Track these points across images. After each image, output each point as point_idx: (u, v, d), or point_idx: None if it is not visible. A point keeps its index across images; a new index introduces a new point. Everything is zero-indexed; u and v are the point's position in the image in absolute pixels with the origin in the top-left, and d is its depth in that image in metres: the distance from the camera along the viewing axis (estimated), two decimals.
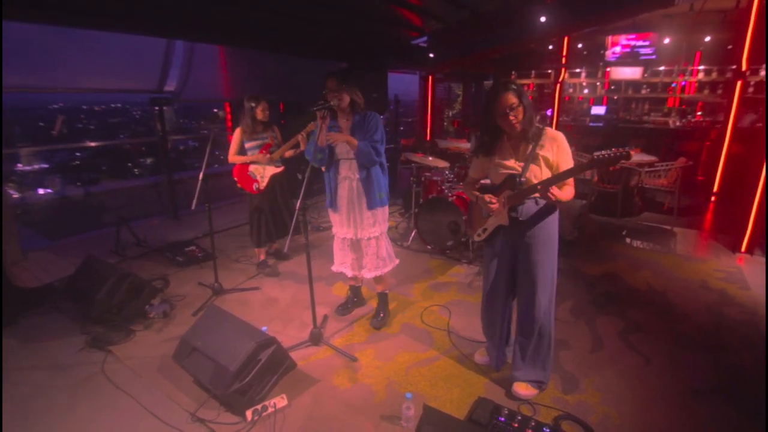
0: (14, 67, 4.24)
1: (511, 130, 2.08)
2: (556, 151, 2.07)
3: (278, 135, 3.80)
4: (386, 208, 2.91)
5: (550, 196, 1.95)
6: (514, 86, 2.02)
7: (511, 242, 2.25)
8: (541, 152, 2.07)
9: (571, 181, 2.07)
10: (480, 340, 2.77)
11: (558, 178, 1.97)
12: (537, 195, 2.07)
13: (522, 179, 2.07)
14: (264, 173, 3.71)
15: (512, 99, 2.01)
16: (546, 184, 1.97)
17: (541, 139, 2.07)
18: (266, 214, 3.82)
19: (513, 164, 2.13)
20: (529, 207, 2.15)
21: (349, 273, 3.02)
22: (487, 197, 2.20)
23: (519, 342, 2.37)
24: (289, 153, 3.72)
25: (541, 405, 2.29)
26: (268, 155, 3.68)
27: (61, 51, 5.01)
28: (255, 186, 3.71)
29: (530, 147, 2.08)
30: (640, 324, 3.14)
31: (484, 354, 2.70)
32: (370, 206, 2.78)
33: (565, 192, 2.04)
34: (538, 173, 2.08)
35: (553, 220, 2.19)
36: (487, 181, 2.34)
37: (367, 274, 2.95)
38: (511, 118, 2.03)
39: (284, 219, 3.93)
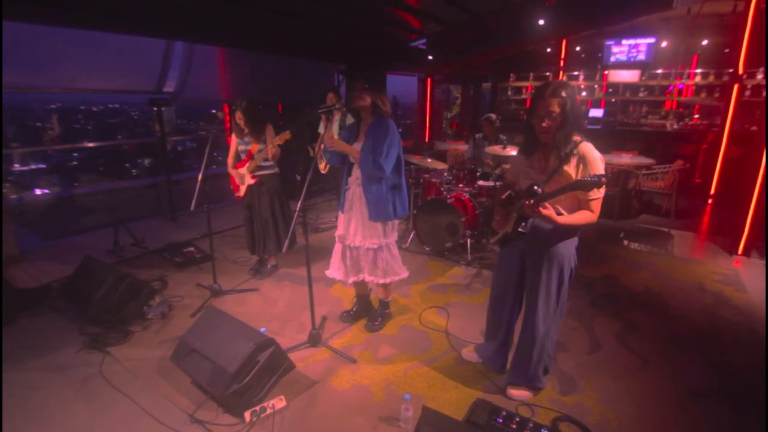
0: (11, 67, 4.23)
1: (540, 136, 1.99)
2: (581, 169, 1.93)
3: (269, 140, 3.48)
4: (393, 223, 2.83)
5: (540, 212, 1.83)
6: (563, 94, 1.88)
7: (521, 252, 2.23)
8: (566, 168, 1.94)
9: (595, 206, 1.95)
10: (478, 342, 2.77)
11: (544, 197, 1.85)
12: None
13: (539, 190, 1.87)
14: (243, 181, 3.64)
15: (554, 108, 1.89)
16: (537, 199, 1.83)
17: (571, 155, 1.93)
18: (247, 223, 3.78)
19: (537, 173, 2.05)
20: (540, 223, 2.03)
21: (339, 277, 2.94)
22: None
23: (517, 347, 2.38)
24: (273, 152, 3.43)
25: (539, 406, 2.30)
26: (248, 163, 3.57)
27: (59, 51, 4.99)
28: (238, 192, 3.71)
29: (558, 160, 1.97)
30: (638, 325, 3.16)
31: (471, 351, 2.71)
32: (372, 217, 2.72)
33: (571, 217, 1.93)
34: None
35: (565, 245, 2.08)
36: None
37: (366, 278, 2.91)
38: (544, 125, 1.93)
39: (262, 234, 3.73)
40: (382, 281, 2.89)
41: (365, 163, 2.62)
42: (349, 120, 4.29)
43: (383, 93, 2.67)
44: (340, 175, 2.90)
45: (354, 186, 2.77)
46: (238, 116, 3.47)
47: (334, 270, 2.97)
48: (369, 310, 3.22)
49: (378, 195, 2.68)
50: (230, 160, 3.71)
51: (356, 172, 2.76)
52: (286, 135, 3.36)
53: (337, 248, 2.94)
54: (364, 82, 2.63)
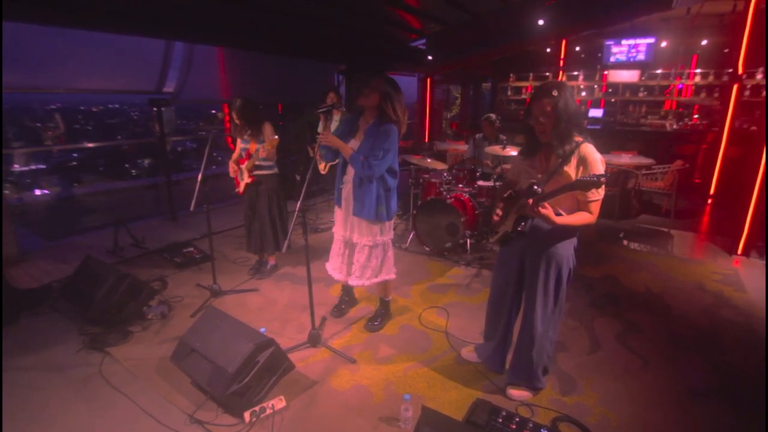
0: (11, 67, 4.24)
1: (540, 136, 2.01)
2: (581, 170, 1.94)
3: (267, 138, 3.46)
4: (390, 222, 2.83)
5: (539, 212, 1.85)
6: (555, 93, 1.90)
7: (520, 252, 2.23)
8: (567, 168, 1.95)
9: (594, 208, 1.97)
10: (478, 342, 2.77)
11: (543, 197, 1.87)
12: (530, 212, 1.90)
13: (539, 189, 1.88)
14: (241, 179, 3.67)
15: (547, 107, 1.91)
16: (537, 199, 1.85)
17: (572, 155, 1.95)
18: (247, 221, 3.79)
19: (537, 173, 2.06)
20: (539, 223, 2.03)
21: (335, 276, 2.98)
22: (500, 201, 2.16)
23: (516, 347, 2.38)
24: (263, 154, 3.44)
25: (539, 407, 2.30)
26: (246, 162, 3.61)
27: (59, 51, 4.99)
28: (238, 188, 3.73)
29: (559, 160, 1.98)
30: (638, 325, 3.16)
31: (471, 351, 2.71)
32: (355, 212, 2.72)
33: (569, 218, 1.95)
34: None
35: (563, 245, 2.09)
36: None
37: (351, 282, 2.91)
38: (539, 125, 1.95)
39: (260, 233, 3.73)
40: (370, 282, 2.88)
41: (355, 161, 2.62)
42: None
43: (396, 100, 2.62)
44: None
45: (349, 183, 2.77)
46: (234, 116, 3.51)
47: (331, 267, 3.01)
48: (353, 299, 3.32)
49: (367, 193, 2.68)
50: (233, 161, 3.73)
51: (350, 172, 2.76)
52: (275, 141, 3.39)
53: (334, 244, 2.97)
54: (380, 82, 2.58)
